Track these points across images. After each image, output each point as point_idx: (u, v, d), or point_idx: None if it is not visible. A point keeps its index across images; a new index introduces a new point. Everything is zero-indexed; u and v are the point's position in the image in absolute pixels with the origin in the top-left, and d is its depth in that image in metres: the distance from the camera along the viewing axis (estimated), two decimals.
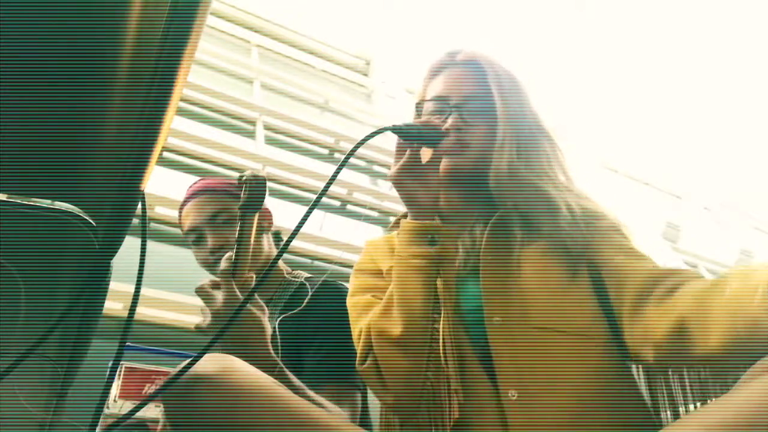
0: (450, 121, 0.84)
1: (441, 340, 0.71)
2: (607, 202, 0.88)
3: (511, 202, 0.82)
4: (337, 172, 0.69)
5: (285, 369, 0.82)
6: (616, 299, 0.74)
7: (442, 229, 0.75)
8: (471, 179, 0.85)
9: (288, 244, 0.66)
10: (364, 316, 0.78)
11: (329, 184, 0.68)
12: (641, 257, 0.77)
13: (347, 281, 1.11)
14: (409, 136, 0.77)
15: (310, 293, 1.04)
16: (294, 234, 0.65)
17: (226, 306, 0.78)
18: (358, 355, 0.77)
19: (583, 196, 0.86)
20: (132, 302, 0.61)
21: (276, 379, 0.75)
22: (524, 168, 0.82)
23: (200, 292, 0.80)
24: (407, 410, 0.72)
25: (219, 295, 0.79)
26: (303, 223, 0.66)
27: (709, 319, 0.60)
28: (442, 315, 0.72)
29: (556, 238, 0.79)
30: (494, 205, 0.84)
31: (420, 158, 0.78)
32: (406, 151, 0.78)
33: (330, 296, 1.06)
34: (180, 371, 0.63)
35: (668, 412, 0.75)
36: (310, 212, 0.66)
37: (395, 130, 0.76)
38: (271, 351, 0.81)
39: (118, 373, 1.22)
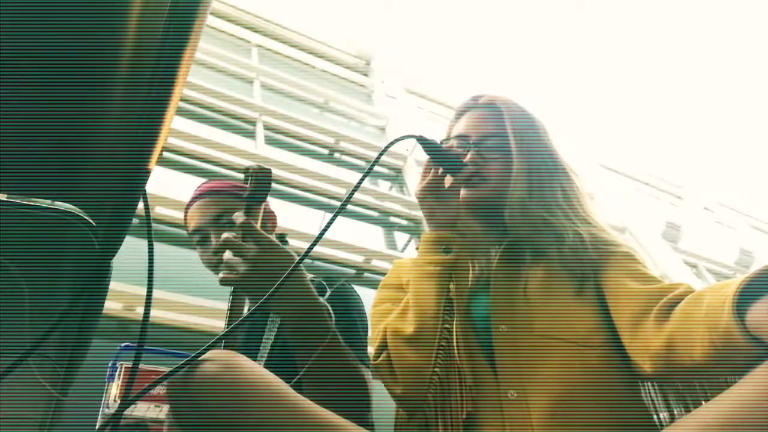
0: (469, 156, 0.92)
1: (455, 341, 0.76)
2: (607, 202, 0.90)
3: (522, 233, 0.88)
4: (366, 175, 0.77)
5: (326, 304, 0.82)
6: (617, 317, 0.78)
7: (457, 239, 0.83)
8: (488, 209, 0.92)
9: (311, 249, 0.71)
10: (384, 321, 0.84)
11: (356, 187, 0.75)
12: (645, 280, 0.79)
13: (349, 282, 1.12)
14: (431, 151, 0.85)
15: (328, 292, 1.04)
16: (316, 241, 0.69)
17: (261, 250, 0.75)
18: (374, 351, 0.82)
19: (600, 227, 0.91)
20: (146, 303, 0.61)
21: (320, 316, 0.79)
22: (535, 202, 0.88)
23: (228, 242, 0.77)
24: (414, 403, 0.77)
25: (249, 245, 0.76)
26: (326, 229, 0.70)
27: (691, 334, 0.64)
28: (455, 317, 0.78)
29: (561, 260, 0.84)
30: (508, 232, 0.90)
31: (443, 181, 0.87)
32: (431, 171, 0.86)
33: (345, 299, 1.07)
34: (193, 357, 0.64)
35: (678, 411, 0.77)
36: (335, 218, 0.71)
37: (421, 140, 0.84)
38: (311, 285, 0.80)
39: (117, 373, 1.22)
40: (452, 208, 0.86)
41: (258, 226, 0.82)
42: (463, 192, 0.90)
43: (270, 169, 0.82)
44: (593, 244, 0.85)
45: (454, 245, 0.82)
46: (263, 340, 1.02)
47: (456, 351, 0.76)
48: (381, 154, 0.79)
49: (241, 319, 0.66)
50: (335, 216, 0.71)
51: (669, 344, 0.67)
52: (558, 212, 0.88)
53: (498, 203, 0.90)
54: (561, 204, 0.89)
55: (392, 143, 0.80)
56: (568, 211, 0.89)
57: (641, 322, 0.73)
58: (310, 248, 0.71)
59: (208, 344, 0.64)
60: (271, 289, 0.67)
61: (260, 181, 0.82)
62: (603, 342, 0.77)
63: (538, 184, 0.89)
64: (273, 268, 0.76)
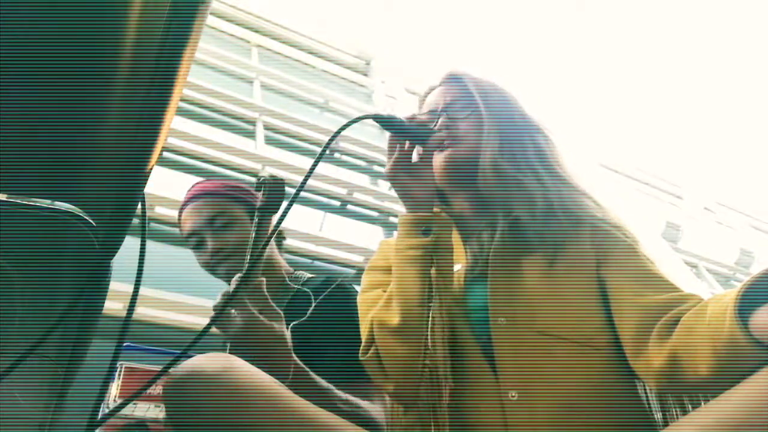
0: (440, 121, 0.89)
1: (437, 330, 0.72)
2: (606, 202, 0.88)
3: (495, 195, 0.84)
4: (319, 158, 0.75)
5: (309, 372, 0.82)
6: (621, 330, 0.74)
7: (435, 219, 0.78)
8: (464, 173, 0.88)
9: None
10: (371, 312, 0.80)
11: (311, 170, 0.74)
12: (652, 284, 0.74)
13: (349, 282, 1.11)
14: (391, 127, 0.80)
15: (323, 294, 1.03)
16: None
17: (245, 328, 0.75)
18: (362, 345, 0.79)
19: (585, 192, 0.86)
20: (130, 302, 0.61)
21: (301, 382, 0.77)
22: (507, 163, 0.85)
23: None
24: (407, 398, 0.74)
25: (236, 317, 0.76)
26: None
27: (695, 348, 0.62)
28: (436, 303, 0.73)
29: (533, 228, 0.80)
30: (501, 210, 0.85)
31: (411, 154, 0.82)
32: (396, 148, 0.81)
33: (343, 298, 1.06)
34: (168, 366, 0.64)
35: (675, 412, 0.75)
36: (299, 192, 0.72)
37: (377, 118, 0.79)
38: (294, 358, 0.80)
39: (117, 373, 1.22)
40: (428, 183, 0.81)
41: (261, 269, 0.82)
42: (437, 158, 0.87)
43: (283, 180, 0.81)
44: (569, 210, 0.81)
45: (433, 226, 0.77)
46: None
47: (432, 342, 0.72)
48: (334, 137, 0.76)
49: (198, 335, 0.65)
50: (291, 202, 0.72)
51: (672, 361, 0.65)
52: (529, 174, 0.84)
53: (472, 166, 0.86)
54: (533, 164, 0.86)
55: (346, 126, 0.75)
56: (540, 172, 0.85)
57: (644, 339, 0.70)
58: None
59: (182, 349, 0.64)
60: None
61: (274, 192, 0.81)
62: (607, 343, 0.74)
63: (509, 144, 0.86)
64: (254, 347, 0.75)
